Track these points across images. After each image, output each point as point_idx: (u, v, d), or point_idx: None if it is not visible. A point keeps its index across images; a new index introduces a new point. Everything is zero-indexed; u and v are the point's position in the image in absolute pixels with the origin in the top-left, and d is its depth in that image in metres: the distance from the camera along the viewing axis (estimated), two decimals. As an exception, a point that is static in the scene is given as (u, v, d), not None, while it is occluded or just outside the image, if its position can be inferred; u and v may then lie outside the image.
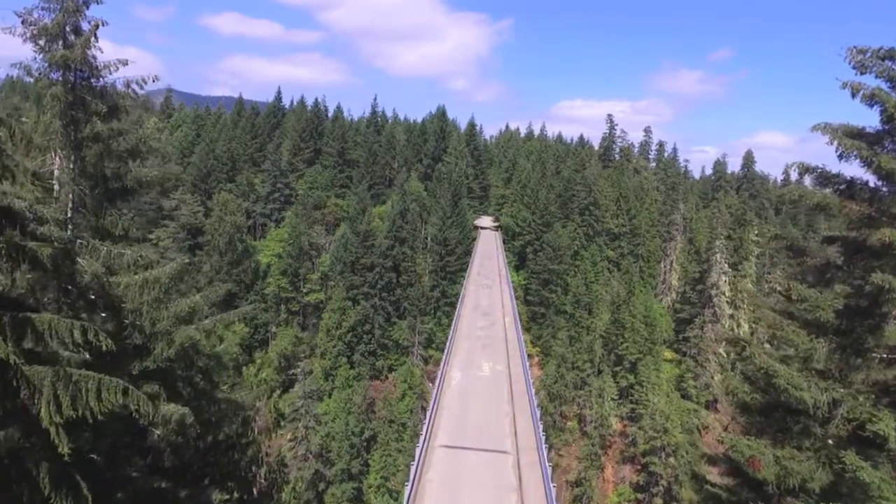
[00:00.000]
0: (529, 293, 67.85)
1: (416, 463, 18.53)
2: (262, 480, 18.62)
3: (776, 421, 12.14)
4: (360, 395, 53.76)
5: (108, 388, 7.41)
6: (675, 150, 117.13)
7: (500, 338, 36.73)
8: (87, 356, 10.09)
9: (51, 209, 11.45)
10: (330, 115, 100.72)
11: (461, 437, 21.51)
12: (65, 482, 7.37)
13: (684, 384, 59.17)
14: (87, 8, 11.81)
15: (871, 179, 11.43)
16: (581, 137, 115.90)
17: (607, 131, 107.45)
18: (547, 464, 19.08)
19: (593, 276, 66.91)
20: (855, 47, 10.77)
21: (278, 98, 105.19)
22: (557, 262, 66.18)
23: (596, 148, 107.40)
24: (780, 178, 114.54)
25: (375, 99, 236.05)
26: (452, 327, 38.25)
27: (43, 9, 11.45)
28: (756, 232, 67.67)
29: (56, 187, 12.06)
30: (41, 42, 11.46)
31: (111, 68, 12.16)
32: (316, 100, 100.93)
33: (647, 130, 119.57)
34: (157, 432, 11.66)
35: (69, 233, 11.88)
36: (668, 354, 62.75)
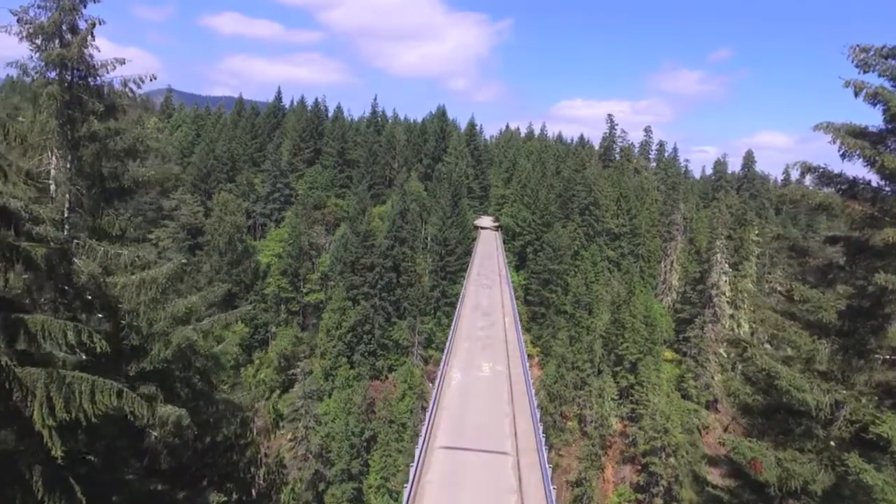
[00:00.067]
0: (529, 293, 67.77)
1: (415, 464, 18.45)
2: (261, 481, 18.48)
3: (778, 423, 12.05)
4: (360, 396, 53.69)
5: (102, 391, 7.32)
6: (675, 149, 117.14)
7: (500, 338, 36.65)
8: (84, 357, 10.02)
9: (47, 209, 11.35)
10: (330, 115, 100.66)
11: (461, 437, 21.42)
12: (58, 485, 7.28)
13: (684, 384, 59.09)
14: (84, 6, 11.71)
15: (874, 179, 11.35)
16: (581, 137, 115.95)
17: (607, 131, 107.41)
18: (547, 465, 19.00)
19: (593, 276, 66.84)
20: (858, 45, 10.67)
21: (278, 98, 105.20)
22: (557, 262, 66.10)
23: (596, 148, 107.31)
24: (780, 178, 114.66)
25: (375, 99, 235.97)
26: (452, 327, 38.17)
27: (39, 7, 11.35)
28: (756, 232, 67.57)
29: (52, 187, 11.96)
30: (37, 41, 11.35)
31: (108, 67, 12.05)
32: (316, 100, 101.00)
33: (648, 130, 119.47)
34: (155, 434, 11.57)
35: (66, 233, 11.80)
36: (668, 354, 62.66)
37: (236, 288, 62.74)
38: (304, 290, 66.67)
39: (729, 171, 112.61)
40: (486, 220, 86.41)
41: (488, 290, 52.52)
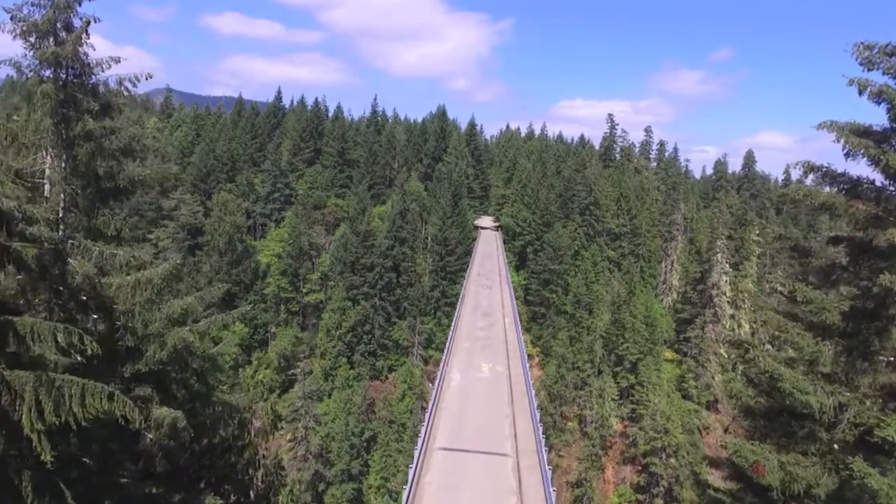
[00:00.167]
0: (530, 293, 67.64)
1: (414, 465, 18.33)
2: (260, 483, 18.35)
3: (781, 425, 11.91)
4: (359, 396, 53.59)
5: (92, 394, 7.19)
6: (675, 149, 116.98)
7: (500, 338, 36.52)
8: (79, 358, 9.89)
9: (41, 209, 11.22)
10: (330, 115, 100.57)
11: (460, 439, 21.30)
12: (48, 490, 7.15)
13: (685, 384, 58.97)
14: (79, 4, 11.58)
15: (878, 178, 11.20)
16: (582, 137, 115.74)
17: (608, 131, 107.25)
18: (547, 466, 18.86)
19: (594, 276, 66.71)
20: (862, 43, 10.53)
21: (278, 98, 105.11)
22: (558, 262, 65.97)
23: (596, 148, 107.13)
24: (780, 178, 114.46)
25: (375, 99, 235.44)
26: (452, 328, 38.05)
27: (33, 4, 11.22)
28: (757, 232, 67.41)
29: (47, 186, 11.84)
30: (31, 39, 11.23)
31: (103, 66, 11.92)
32: (316, 100, 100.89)
33: (648, 130, 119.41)
34: (150, 436, 11.44)
35: (61, 233, 11.68)
36: (668, 355, 62.53)
37: (236, 288, 62.64)
38: (304, 290, 66.57)
39: (729, 171, 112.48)
40: (486, 220, 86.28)
41: (488, 290, 52.39)
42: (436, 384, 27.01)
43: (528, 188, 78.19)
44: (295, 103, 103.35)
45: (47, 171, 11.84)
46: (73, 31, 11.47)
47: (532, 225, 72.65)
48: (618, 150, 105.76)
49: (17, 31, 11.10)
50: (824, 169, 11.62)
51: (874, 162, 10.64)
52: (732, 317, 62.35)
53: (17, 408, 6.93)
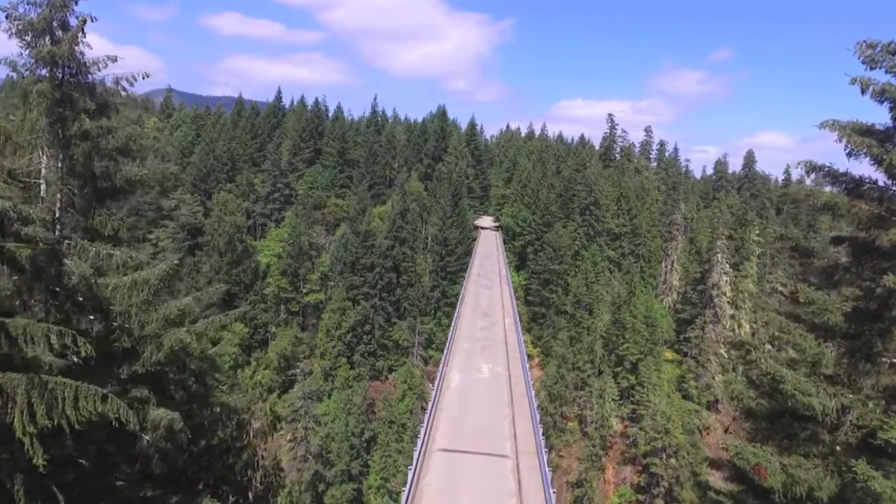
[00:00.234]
0: (530, 293, 67.55)
1: (413, 467, 18.23)
2: (258, 484, 18.27)
3: (783, 427, 11.80)
4: (359, 396, 53.50)
5: (85, 396, 7.10)
6: (675, 149, 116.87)
7: (500, 339, 36.42)
8: (76, 360, 9.80)
9: (37, 209, 11.14)
10: (330, 115, 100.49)
11: (460, 440, 21.20)
12: (40, 494, 7.06)
13: (685, 385, 58.88)
14: (76, 3, 11.48)
15: (881, 178, 11.09)
16: (582, 137, 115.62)
17: (608, 131, 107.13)
18: (547, 468, 18.77)
19: (594, 276, 66.60)
20: (864, 41, 10.42)
21: (278, 98, 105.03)
22: (558, 263, 65.87)
23: (597, 148, 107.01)
24: (780, 178, 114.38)
25: (376, 99, 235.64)
26: (452, 328, 37.94)
27: (29, 3, 11.12)
28: (757, 232, 67.32)
29: (43, 186, 11.75)
30: (27, 38, 11.14)
31: (100, 65, 11.82)
32: (316, 100, 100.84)
33: (648, 130, 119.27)
34: (147, 438, 11.35)
35: (57, 233, 11.59)
36: (668, 355, 62.43)
37: (236, 288, 62.58)
38: (304, 291, 66.50)
39: (729, 171, 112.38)
40: (486, 220, 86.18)
41: (488, 290, 52.29)
42: (435, 385, 26.92)
43: (528, 188, 78.10)
44: (295, 103, 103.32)
45: (43, 171, 11.74)
46: (69, 30, 11.38)
47: (532, 225, 72.55)
48: (618, 150, 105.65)
49: (13, 30, 11.00)
50: (826, 168, 11.52)
51: (877, 161, 10.54)
52: (733, 317, 62.26)
53: (9, 411, 6.84)
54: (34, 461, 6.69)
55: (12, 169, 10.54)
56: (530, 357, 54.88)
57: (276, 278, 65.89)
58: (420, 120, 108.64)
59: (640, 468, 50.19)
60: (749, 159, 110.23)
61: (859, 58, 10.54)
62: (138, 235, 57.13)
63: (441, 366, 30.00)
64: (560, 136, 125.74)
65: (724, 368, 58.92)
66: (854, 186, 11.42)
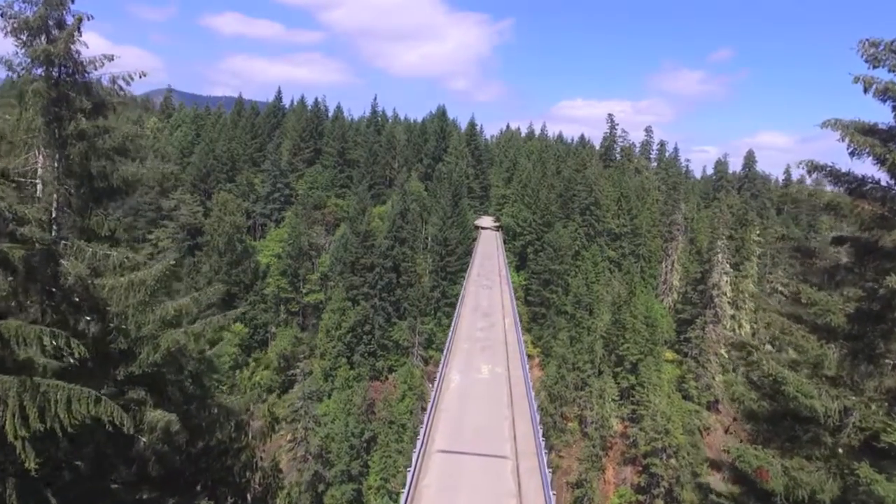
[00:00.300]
0: (530, 293, 67.47)
1: (412, 468, 18.15)
2: (257, 486, 18.19)
3: (784, 429, 11.70)
4: (359, 396, 53.42)
5: (78, 399, 7.00)
6: (676, 149, 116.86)
7: (500, 339, 36.34)
8: (72, 360, 9.71)
9: (33, 209, 11.05)
10: (330, 115, 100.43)
11: (459, 441, 21.11)
12: (32, 498, 6.97)
13: (685, 385, 58.79)
14: (72, 1, 11.41)
15: (884, 178, 10.99)
16: (582, 137, 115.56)
17: (608, 131, 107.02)
18: (546, 469, 18.67)
19: (594, 276, 66.51)
20: (867, 40, 10.32)
21: (278, 98, 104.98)
22: (558, 263, 65.79)
23: (597, 148, 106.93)
24: (781, 178, 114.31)
25: (375, 99, 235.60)
26: (451, 328, 37.86)
27: (24, 1, 11.03)
28: (758, 232, 67.23)
29: (39, 186, 11.66)
30: (23, 36, 11.05)
31: (96, 64, 11.72)
32: (316, 100, 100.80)
33: (648, 130, 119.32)
34: (144, 440, 11.26)
35: (53, 234, 11.50)
36: (669, 355, 62.33)
37: (236, 288, 62.52)
38: (304, 291, 66.43)
39: (730, 171, 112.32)
40: (486, 220, 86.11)
41: (488, 290, 52.21)
42: (435, 385, 26.83)
43: (528, 188, 78.01)
44: (295, 103, 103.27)
45: (39, 171, 11.65)
46: (65, 29, 11.29)
47: (532, 225, 72.46)
48: (618, 150, 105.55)
49: (9, 29, 10.91)
50: (829, 168, 11.42)
51: (880, 161, 10.43)
52: (733, 317, 62.17)
53: (0, 414, 6.75)
54: (26, 465, 6.60)
55: (8, 169, 10.45)
56: (530, 357, 54.79)
57: (275, 278, 65.82)
58: (420, 120, 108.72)
59: (641, 468, 50.10)
60: (749, 159, 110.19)
61: (862, 56, 10.44)
62: (138, 236, 57.19)
63: (440, 366, 29.91)
64: (560, 136, 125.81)
65: (724, 369, 58.82)
66: (856, 186, 11.33)
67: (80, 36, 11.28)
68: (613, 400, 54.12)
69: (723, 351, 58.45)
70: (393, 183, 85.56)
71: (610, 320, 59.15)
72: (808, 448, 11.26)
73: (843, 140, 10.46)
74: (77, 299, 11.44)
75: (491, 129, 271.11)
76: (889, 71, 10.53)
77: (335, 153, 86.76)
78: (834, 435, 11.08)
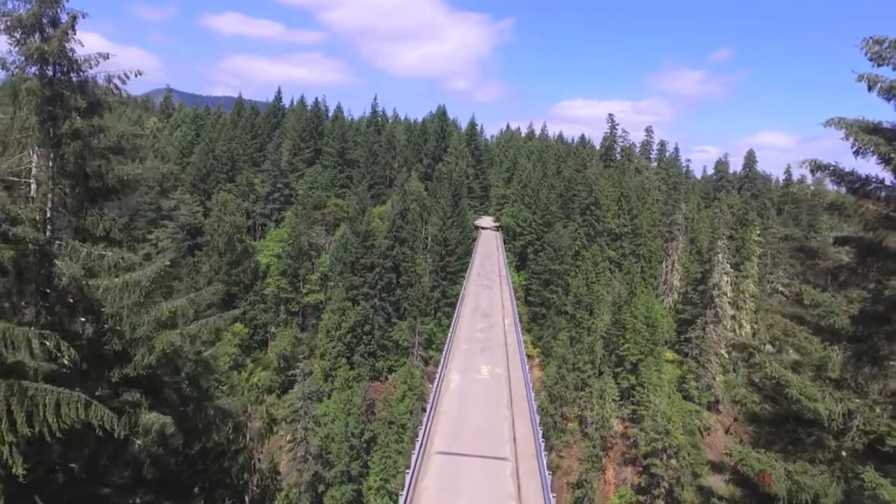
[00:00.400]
0: (530, 294, 67.33)
1: (411, 470, 18.02)
2: (255, 488, 18.06)
3: (787, 432, 11.56)
4: (359, 397, 53.30)
5: (67, 403, 6.87)
6: (676, 149, 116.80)
7: (500, 340, 36.20)
8: (66, 362, 9.58)
9: (27, 209, 10.94)
10: (330, 115, 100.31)
11: (458, 442, 20.98)
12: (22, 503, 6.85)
13: (686, 385, 58.66)
14: (67, -1, 11.28)
15: (888, 177, 10.85)
16: (582, 137, 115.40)
17: (608, 131, 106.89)
18: (546, 471, 18.54)
19: (594, 276, 66.37)
20: (871, 38, 10.17)
21: (278, 98, 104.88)
22: (558, 263, 65.65)
23: (597, 148, 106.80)
24: (781, 177, 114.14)
25: (376, 99, 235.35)
26: (451, 329, 37.73)
27: (18, -1, 10.92)
28: (758, 232, 67.08)
29: (33, 186, 11.54)
30: (17, 34, 10.93)
31: (91, 62, 11.58)
32: (316, 100, 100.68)
33: (649, 130, 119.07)
34: (139, 442, 11.13)
35: (48, 234, 11.38)
36: (669, 355, 62.20)
37: (235, 288, 62.41)
38: (304, 291, 66.30)
39: (730, 171, 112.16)
40: (486, 220, 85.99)
41: (488, 290, 52.08)
42: (434, 386, 26.69)
43: (528, 188, 77.87)
44: (295, 103, 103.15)
45: (34, 171, 11.52)
46: (59, 27, 11.16)
47: (532, 225, 72.33)
48: (618, 150, 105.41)
49: (2, 27, 10.78)
50: (832, 167, 11.26)
51: (884, 160, 10.29)
52: (733, 317, 62.05)
53: (-12, 418, 6.63)
54: (14, 471, 6.47)
55: (1, 168, 10.31)
56: (530, 357, 54.67)
57: (275, 278, 65.70)
58: (420, 120, 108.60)
59: (641, 469, 49.98)
60: (749, 159, 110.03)
61: (866, 54, 10.29)
62: (137, 235, 57.08)
63: (440, 367, 29.78)
64: (560, 136, 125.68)
65: (724, 369, 58.70)
66: (860, 186, 11.18)
67: (75, 34, 11.15)
68: (614, 400, 54.00)
69: (723, 351, 58.33)
70: (393, 183, 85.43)
71: (610, 320, 59.02)
72: (811, 451, 11.12)
73: (847, 139, 10.32)
74: (72, 300, 11.32)
75: (491, 129, 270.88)
76: (894, 69, 10.39)
77: (335, 153, 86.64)
78: (837, 438, 10.94)
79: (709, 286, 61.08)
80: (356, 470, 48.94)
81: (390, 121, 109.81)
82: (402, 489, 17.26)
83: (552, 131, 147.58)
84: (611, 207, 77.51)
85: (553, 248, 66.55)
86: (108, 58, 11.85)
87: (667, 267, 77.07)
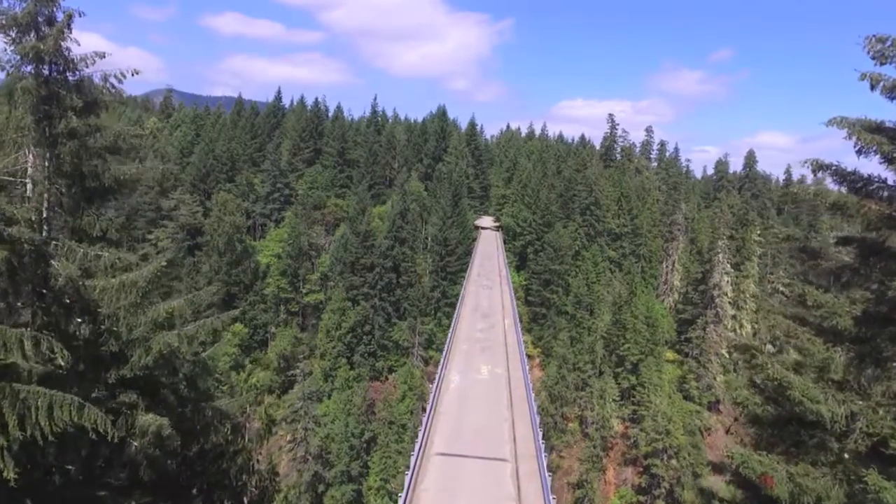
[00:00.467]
0: (530, 294, 67.24)
1: (411, 471, 17.94)
2: (253, 489, 17.97)
3: (789, 434, 11.47)
4: (359, 397, 53.23)
5: (60, 406, 6.79)
6: (676, 149, 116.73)
7: (500, 340, 36.12)
8: (62, 363, 9.50)
9: (22, 209, 10.86)
10: (330, 114, 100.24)
11: (458, 443, 20.89)
12: (15, 508, 6.77)
13: (686, 385, 58.57)
14: (62, -2, 11.19)
15: (891, 177, 10.75)
16: (582, 137, 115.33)
17: (608, 131, 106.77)
18: (546, 472, 18.45)
19: (594, 276, 66.27)
20: (874, 36, 10.08)
21: (278, 98, 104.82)
22: (558, 263, 65.56)
23: (597, 148, 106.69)
24: (781, 177, 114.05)
25: (376, 99, 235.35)
26: (451, 329, 37.65)
27: (13, -3, 10.83)
28: (758, 232, 66.97)
29: (29, 186, 11.45)
30: (12, 33, 10.85)
31: (87, 61, 11.50)
32: (316, 100, 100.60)
33: (649, 130, 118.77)
34: (135, 444, 11.05)
35: (44, 234, 11.30)
36: (669, 355, 62.10)
37: (235, 288, 62.33)
38: (304, 291, 66.22)
39: (730, 171, 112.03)
40: (486, 221, 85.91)
41: (488, 290, 52.00)
42: (434, 387, 26.61)
43: (528, 188, 77.78)
44: (295, 103, 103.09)
45: (30, 170, 11.44)
46: (55, 26, 11.07)
47: (532, 225, 72.23)
48: (618, 150, 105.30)
49: (-2, 26, 10.71)
50: (834, 167, 11.17)
51: (887, 160, 10.20)
52: (734, 317, 61.93)
53: (-21, 421, 6.54)
54: (5, 475, 6.38)
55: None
56: (531, 357, 54.59)
57: (275, 278, 65.62)
58: (420, 120, 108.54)
59: (641, 469, 49.89)
60: (750, 159, 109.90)
61: (868, 53, 10.19)
62: (137, 235, 56.98)
63: (440, 367, 29.70)
64: (560, 136, 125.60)
65: (725, 369, 58.59)
66: (862, 185, 11.07)
67: (71, 32, 11.07)
68: (614, 400, 53.90)
69: (724, 351, 58.23)
70: (393, 183, 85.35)
71: (610, 320, 58.93)
72: (813, 454, 11.02)
73: (849, 138, 10.23)
74: (68, 301, 11.23)
75: (491, 129, 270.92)
76: (897, 68, 10.28)
77: (335, 153, 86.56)
78: (840, 440, 10.84)
79: (709, 286, 60.98)
80: (356, 470, 48.87)
81: (390, 121, 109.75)
82: (402, 490, 17.17)
83: (552, 131, 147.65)
84: (611, 207, 77.41)
85: (553, 248, 66.46)
86: (104, 57, 11.76)
87: (667, 267, 76.98)
